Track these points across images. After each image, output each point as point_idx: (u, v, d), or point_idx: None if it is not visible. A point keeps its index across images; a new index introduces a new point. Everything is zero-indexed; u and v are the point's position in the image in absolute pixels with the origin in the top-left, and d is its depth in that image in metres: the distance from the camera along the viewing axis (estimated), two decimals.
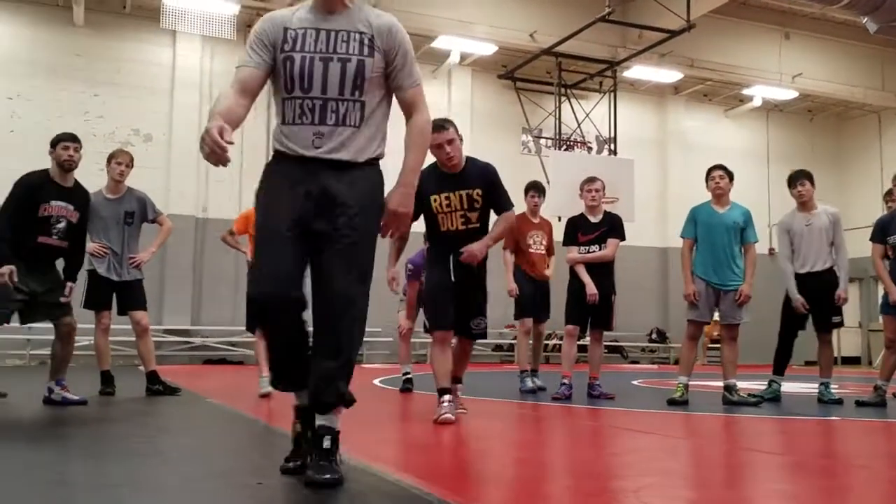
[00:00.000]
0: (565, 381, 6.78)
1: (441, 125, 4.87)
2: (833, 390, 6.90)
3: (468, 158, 5.07)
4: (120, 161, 6.69)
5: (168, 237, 7.07)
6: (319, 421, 2.92)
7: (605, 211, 7.14)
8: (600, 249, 6.92)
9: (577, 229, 7.00)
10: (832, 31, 18.55)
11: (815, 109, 20.27)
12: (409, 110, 3.15)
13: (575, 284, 6.91)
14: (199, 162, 14.64)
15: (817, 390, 6.89)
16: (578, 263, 6.91)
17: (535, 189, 7.96)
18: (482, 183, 4.99)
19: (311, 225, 2.89)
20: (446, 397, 4.95)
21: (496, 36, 15.66)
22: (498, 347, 16.57)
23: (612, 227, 7.00)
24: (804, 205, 6.98)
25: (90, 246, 6.56)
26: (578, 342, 7.12)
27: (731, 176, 6.72)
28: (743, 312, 6.57)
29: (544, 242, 7.83)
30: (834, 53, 18.75)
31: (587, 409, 6.18)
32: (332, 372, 2.88)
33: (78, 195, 5.84)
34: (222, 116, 2.76)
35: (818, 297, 6.80)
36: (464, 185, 4.97)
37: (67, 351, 5.85)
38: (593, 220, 7.01)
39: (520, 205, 8.04)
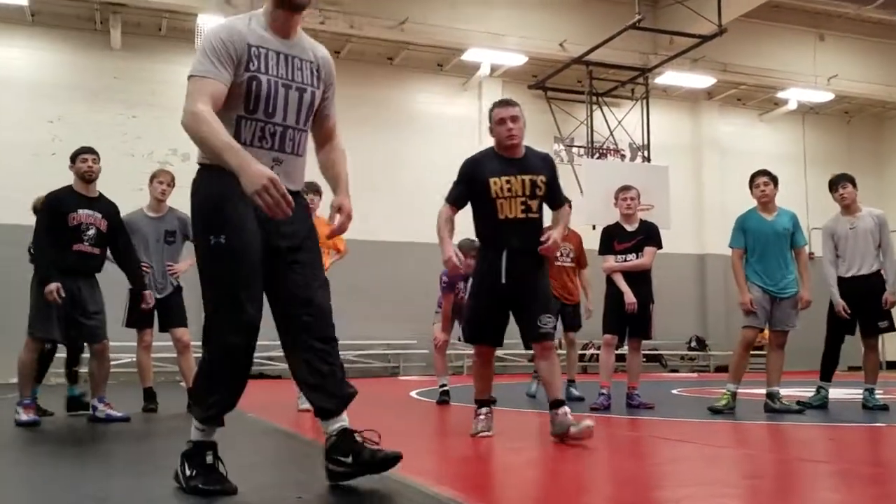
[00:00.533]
0: (604, 391, 6.73)
1: (508, 101, 4.75)
2: (878, 396, 6.77)
3: (526, 147, 4.80)
4: (161, 180, 6.81)
5: None
6: (336, 424, 3.05)
7: (640, 219, 7.09)
8: (637, 258, 6.87)
9: (613, 238, 6.96)
10: (867, 31, 18.29)
11: (852, 111, 19.96)
12: (330, 136, 3.30)
13: (613, 293, 6.86)
14: None
15: (862, 396, 6.77)
16: (616, 272, 6.87)
17: None
18: (546, 171, 4.73)
19: (269, 249, 2.98)
20: (483, 410, 4.83)
21: (526, 46, 15.67)
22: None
23: (649, 235, 6.95)
24: (847, 208, 6.90)
25: None
26: (616, 351, 7.07)
27: (775, 181, 6.59)
28: (796, 319, 6.47)
29: (571, 255, 7.85)
30: (870, 54, 18.47)
31: (626, 419, 6.13)
32: (337, 374, 3.08)
33: (103, 204, 6.08)
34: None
35: (864, 301, 6.70)
36: (527, 170, 4.66)
37: (104, 368, 6.06)
38: (629, 228, 6.96)
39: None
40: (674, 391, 9.72)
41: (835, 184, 6.99)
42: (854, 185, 6.93)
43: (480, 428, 4.72)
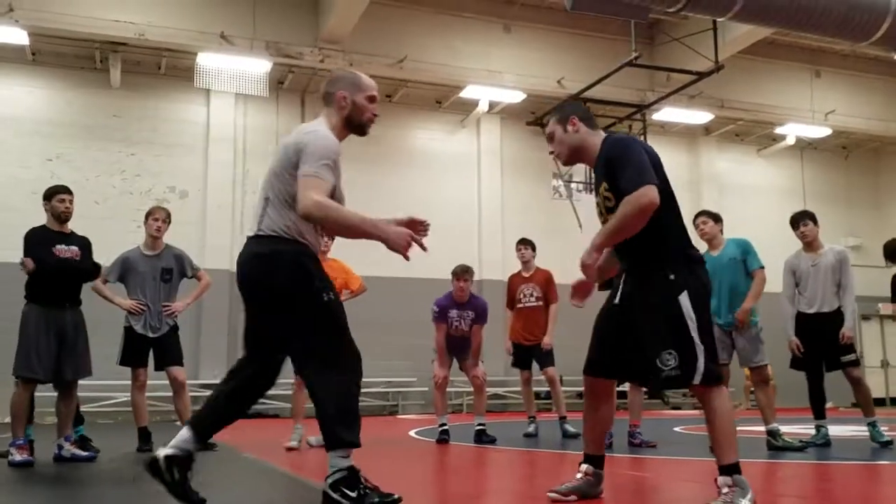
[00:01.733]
0: None
1: (549, 120, 3.93)
2: (884, 431, 6.67)
3: (602, 141, 3.77)
4: (157, 217, 6.80)
5: (206, 292, 7.14)
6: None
7: None
8: None
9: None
10: (863, 67, 18.42)
11: (850, 146, 20.04)
12: None
13: None
14: (233, 217, 14.84)
15: (867, 432, 6.69)
16: None
17: (523, 243, 8.14)
18: (604, 171, 3.65)
19: None
20: (582, 468, 3.85)
21: (524, 84, 15.78)
22: (536, 395, 16.35)
23: None
24: (809, 245, 6.95)
25: (127, 303, 6.66)
26: (617, 388, 7.00)
27: (715, 218, 6.70)
28: (761, 354, 6.44)
29: (535, 294, 7.94)
30: (867, 89, 18.59)
31: (628, 458, 6.05)
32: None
33: (76, 239, 6.15)
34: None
35: (826, 337, 6.69)
36: (598, 181, 3.73)
37: (72, 406, 6.07)
38: None
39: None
40: (676, 429, 9.62)
41: (796, 221, 7.02)
42: (815, 222, 6.95)
43: (562, 489, 3.74)
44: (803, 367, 6.85)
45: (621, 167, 3.53)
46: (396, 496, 3.30)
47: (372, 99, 3.78)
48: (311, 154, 3.42)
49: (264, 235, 3.54)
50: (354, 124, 3.72)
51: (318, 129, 3.55)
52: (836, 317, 6.75)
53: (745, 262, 6.51)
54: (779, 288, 6.95)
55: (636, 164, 3.50)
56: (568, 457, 6.26)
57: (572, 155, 3.82)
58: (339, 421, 3.31)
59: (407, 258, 3.44)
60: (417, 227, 3.55)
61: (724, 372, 6.50)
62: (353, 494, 3.25)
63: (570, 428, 7.68)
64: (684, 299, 3.45)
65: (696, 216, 6.76)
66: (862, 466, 5.51)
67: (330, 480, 3.29)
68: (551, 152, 3.92)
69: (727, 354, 6.50)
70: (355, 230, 3.40)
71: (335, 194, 3.50)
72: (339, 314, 3.49)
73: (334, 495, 3.26)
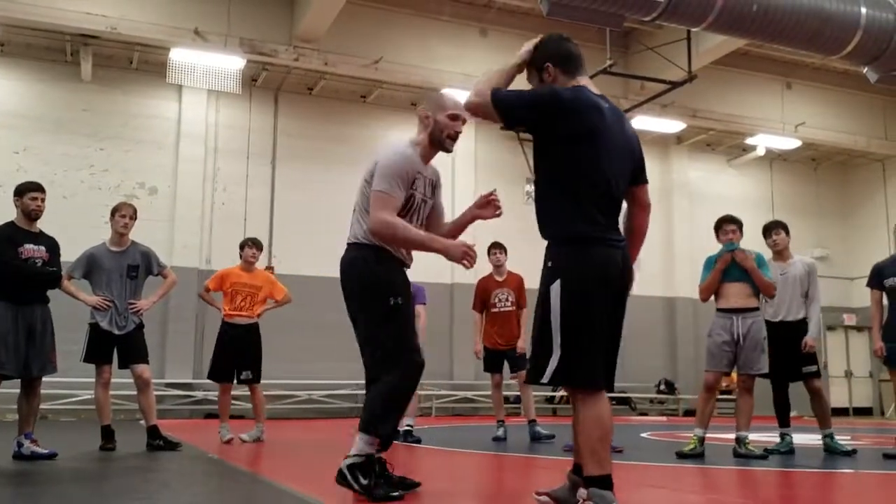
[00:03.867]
0: None
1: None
2: (847, 441, 6.74)
3: None
4: (124, 214, 6.70)
5: (171, 290, 7.05)
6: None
7: None
8: None
9: None
10: (834, 80, 18.67)
11: (819, 158, 20.30)
12: (440, 222, 4.33)
13: None
14: (202, 214, 14.70)
15: (821, 442, 6.75)
16: None
17: (496, 246, 8.15)
18: None
19: None
20: (582, 492, 3.37)
21: None
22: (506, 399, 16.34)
23: None
24: (779, 254, 7.04)
25: (93, 299, 6.56)
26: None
27: (740, 227, 6.61)
28: (761, 363, 6.44)
29: (510, 298, 7.98)
30: (836, 102, 18.85)
31: None
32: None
33: (45, 239, 6.08)
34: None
35: (790, 347, 6.75)
36: None
37: (35, 403, 6.00)
38: None
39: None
40: (643, 435, 9.67)
41: (768, 230, 7.12)
42: (787, 232, 7.05)
43: (543, 489, 3.68)
44: (782, 376, 6.88)
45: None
46: (403, 494, 3.64)
47: (453, 117, 4.00)
48: (380, 170, 3.78)
49: (351, 243, 3.92)
50: (435, 141, 3.99)
51: (395, 144, 3.93)
52: (801, 326, 6.82)
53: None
54: None
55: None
56: (535, 461, 6.27)
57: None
58: (379, 417, 3.70)
59: (467, 267, 3.70)
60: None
61: (713, 378, 6.50)
62: (364, 482, 3.58)
63: (541, 430, 7.69)
64: (554, 289, 3.21)
65: (725, 222, 6.56)
66: (825, 475, 5.57)
67: (348, 461, 3.63)
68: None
69: (729, 365, 6.49)
70: (418, 246, 3.75)
71: (409, 203, 3.83)
72: (403, 318, 3.78)
73: (347, 475, 3.60)
